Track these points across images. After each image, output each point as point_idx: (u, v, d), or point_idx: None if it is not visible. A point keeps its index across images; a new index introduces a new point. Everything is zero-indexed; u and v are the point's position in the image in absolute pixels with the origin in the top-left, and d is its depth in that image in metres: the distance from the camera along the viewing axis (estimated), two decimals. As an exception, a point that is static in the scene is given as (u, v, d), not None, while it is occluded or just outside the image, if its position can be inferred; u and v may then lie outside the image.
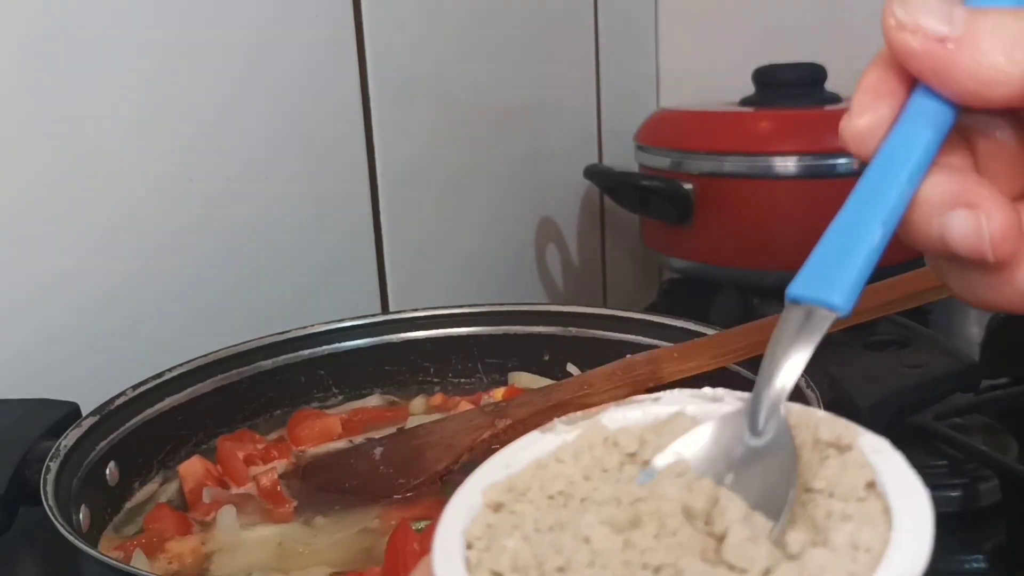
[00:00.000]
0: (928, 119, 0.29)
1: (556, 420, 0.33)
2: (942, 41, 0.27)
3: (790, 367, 0.29)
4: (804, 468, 0.28)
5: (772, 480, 0.28)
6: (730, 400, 0.31)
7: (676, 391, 0.33)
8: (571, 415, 0.33)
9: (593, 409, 0.33)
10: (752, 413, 0.29)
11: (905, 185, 0.29)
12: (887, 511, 0.26)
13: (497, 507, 0.31)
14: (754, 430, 0.29)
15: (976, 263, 0.29)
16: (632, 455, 0.31)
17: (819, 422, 0.29)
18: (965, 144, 0.30)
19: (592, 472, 0.31)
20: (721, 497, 0.28)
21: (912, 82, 0.29)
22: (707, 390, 0.32)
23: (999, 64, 0.27)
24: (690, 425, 0.31)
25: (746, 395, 0.30)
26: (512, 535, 0.29)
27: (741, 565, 0.25)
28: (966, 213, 0.28)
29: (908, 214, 0.29)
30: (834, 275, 0.29)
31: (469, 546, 0.29)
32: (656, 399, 0.33)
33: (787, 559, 0.25)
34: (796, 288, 0.30)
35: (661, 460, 0.30)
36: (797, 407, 0.30)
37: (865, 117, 0.30)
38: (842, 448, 0.28)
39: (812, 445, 0.29)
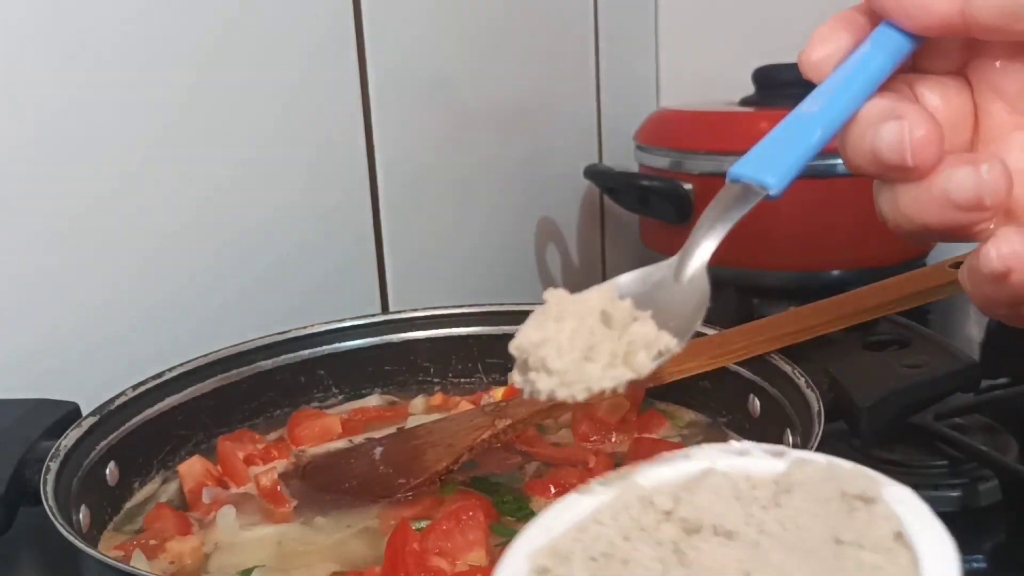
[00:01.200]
0: (882, 47, 0.34)
1: (592, 481, 0.33)
2: None
3: (718, 230, 0.34)
4: (833, 520, 0.30)
5: (688, 312, 0.34)
6: (758, 453, 0.33)
7: (705, 446, 0.34)
8: (606, 476, 0.34)
9: (625, 468, 0.33)
10: (680, 263, 0.34)
11: (851, 100, 0.33)
12: (915, 561, 0.28)
13: (543, 572, 0.32)
14: (679, 278, 0.34)
15: (900, 172, 0.32)
16: (668, 513, 0.32)
17: (845, 475, 0.32)
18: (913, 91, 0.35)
19: (631, 532, 0.32)
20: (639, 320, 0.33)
21: (867, 25, 0.34)
22: (734, 444, 0.34)
23: None
24: (722, 481, 0.32)
25: (773, 447, 0.33)
26: None
27: (640, 371, 0.32)
28: (894, 123, 0.32)
29: (848, 128, 0.33)
30: (772, 162, 0.33)
31: None
32: (686, 456, 0.34)
33: None
34: (737, 168, 0.34)
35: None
36: (823, 461, 0.32)
37: (826, 47, 0.34)
38: (868, 500, 0.30)
39: (840, 498, 0.31)
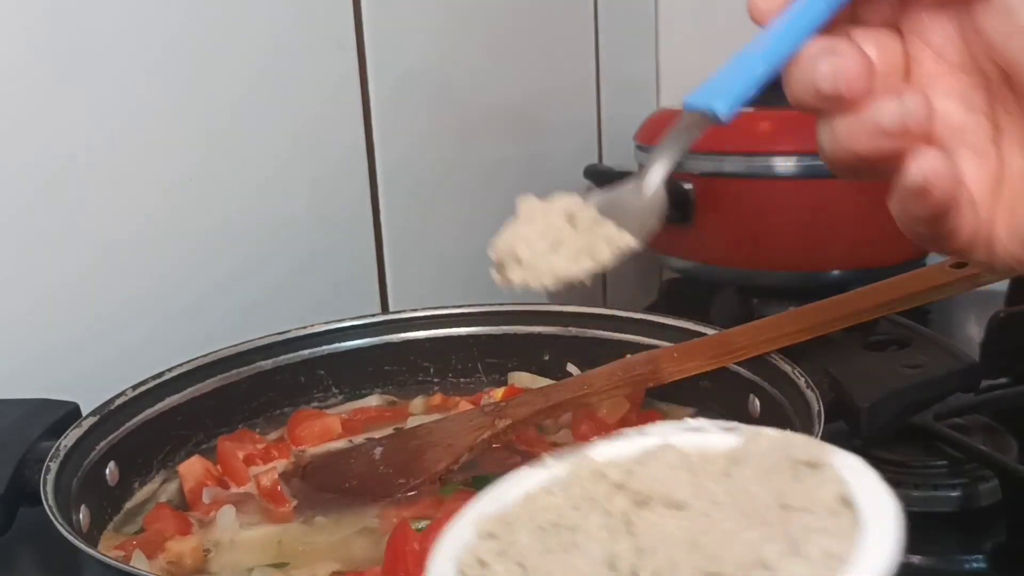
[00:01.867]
0: None
1: (545, 455, 0.34)
2: None
3: (675, 151, 0.39)
4: (781, 487, 0.31)
5: (647, 219, 0.39)
6: (712, 429, 0.35)
7: (660, 423, 0.36)
8: (560, 451, 0.35)
9: (581, 444, 0.34)
10: (642, 181, 0.39)
11: (792, 40, 0.37)
12: (858, 522, 0.29)
13: (489, 537, 0.32)
14: (641, 193, 0.39)
15: (836, 103, 0.36)
16: (620, 485, 0.33)
17: (796, 444, 0.33)
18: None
19: (581, 503, 0.33)
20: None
21: None
22: (690, 421, 0.36)
23: None
24: (675, 456, 0.34)
25: (727, 423, 0.36)
26: (503, 563, 0.30)
27: (602, 262, 0.37)
28: (830, 58, 0.36)
29: (792, 65, 0.37)
30: (721, 92, 0.37)
31: (462, 574, 0.30)
32: (642, 432, 0.35)
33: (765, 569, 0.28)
34: (692, 98, 0.38)
35: None
36: (774, 432, 0.34)
37: None
38: (815, 466, 0.32)
39: (789, 466, 0.32)
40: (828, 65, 0.36)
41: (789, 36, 0.37)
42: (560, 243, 0.38)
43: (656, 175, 0.40)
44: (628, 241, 0.38)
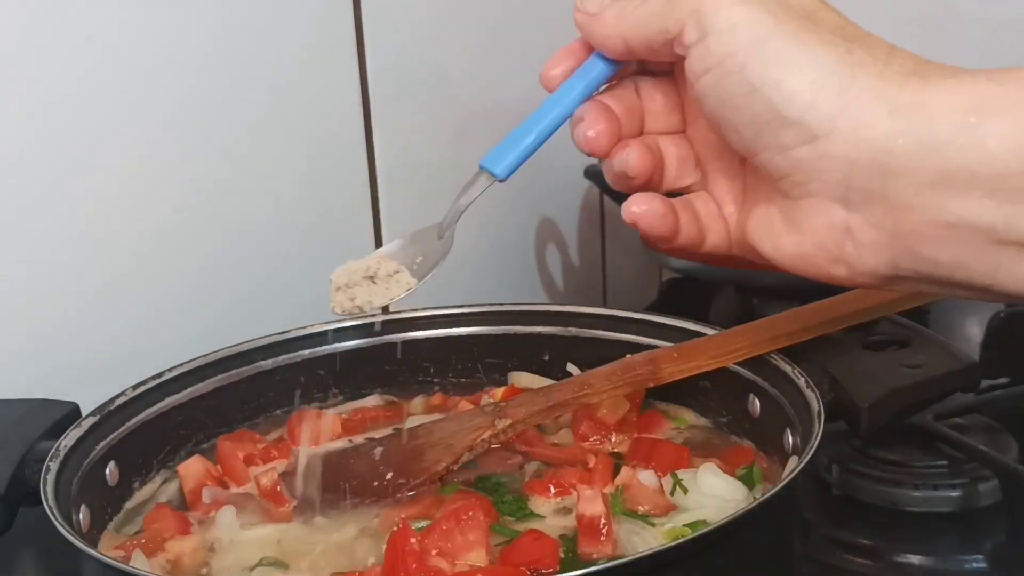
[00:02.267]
0: (588, 70, 0.47)
1: None
2: (591, 16, 0.46)
3: (464, 202, 0.49)
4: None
5: (433, 261, 0.52)
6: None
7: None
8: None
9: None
10: (441, 226, 0.51)
11: (562, 109, 0.47)
12: None
13: None
14: (439, 235, 0.51)
15: (591, 155, 0.47)
16: None
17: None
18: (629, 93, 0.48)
19: None
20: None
21: (584, 53, 0.47)
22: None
23: (609, 25, 0.45)
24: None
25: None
26: None
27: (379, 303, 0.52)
28: (578, 125, 0.46)
29: (571, 123, 0.47)
30: (502, 157, 0.48)
31: None
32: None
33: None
34: (484, 160, 0.48)
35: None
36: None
37: (557, 68, 0.48)
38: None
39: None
40: (577, 131, 0.46)
41: (559, 106, 0.47)
42: (360, 289, 0.53)
43: (449, 221, 0.51)
44: (409, 284, 0.52)
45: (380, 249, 0.53)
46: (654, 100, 0.48)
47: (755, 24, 0.40)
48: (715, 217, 0.48)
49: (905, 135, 0.38)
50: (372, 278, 0.52)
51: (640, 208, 0.46)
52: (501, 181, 0.48)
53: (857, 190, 0.39)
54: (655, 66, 0.47)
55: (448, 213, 0.51)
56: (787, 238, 0.43)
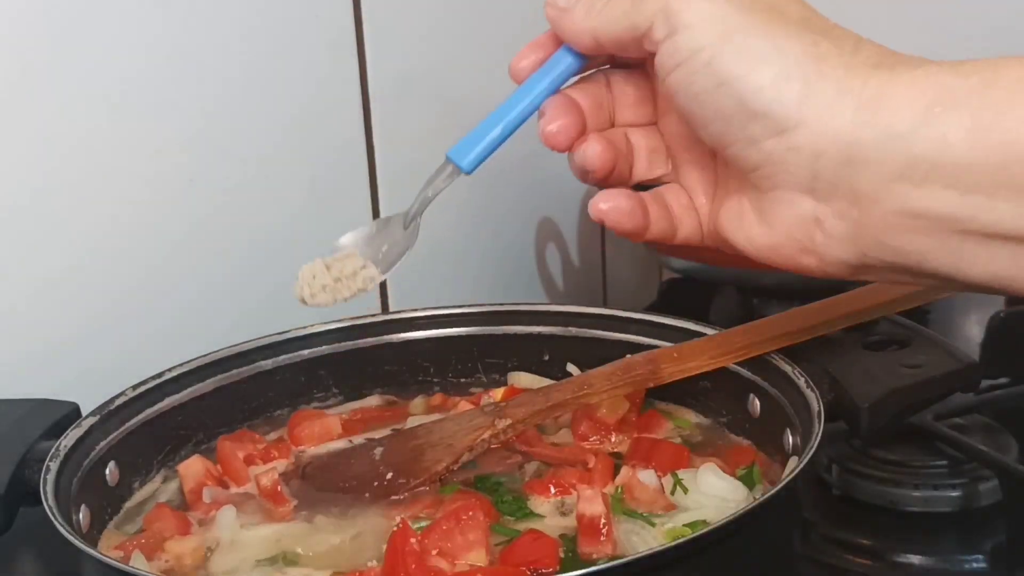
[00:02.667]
0: (556, 63, 0.47)
1: None
2: (561, 10, 0.46)
3: (430, 194, 0.50)
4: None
5: (398, 251, 0.52)
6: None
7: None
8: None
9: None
10: (407, 216, 0.51)
11: (528, 104, 0.47)
12: None
13: None
14: (405, 225, 0.52)
15: (554, 149, 0.47)
16: None
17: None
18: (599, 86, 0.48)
19: None
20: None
21: (553, 46, 0.48)
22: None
23: (578, 20, 0.45)
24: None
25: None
26: None
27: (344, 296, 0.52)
28: (543, 119, 0.47)
29: (538, 115, 0.47)
30: (468, 149, 0.48)
31: None
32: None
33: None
34: (451, 152, 0.48)
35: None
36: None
37: (525, 60, 0.48)
38: None
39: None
40: (541, 125, 0.47)
41: (526, 99, 0.47)
42: (324, 288, 0.52)
43: (415, 212, 0.51)
44: (373, 275, 0.52)
45: (345, 238, 0.53)
46: (625, 92, 0.48)
47: (721, 19, 0.40)
48: (687, 209, 0.48)
49: (870, 127, 0.38)
50: (337, 279, 0.52)
51: (607, 205, 0.47)
52: (467, 174, 0.48)
53: (824, 181, 0.40)
54: (626, 59, 0.48)
55: (414, 203, 0.51)
56: (758, 229, 0.44)
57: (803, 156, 0.40)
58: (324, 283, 0.52)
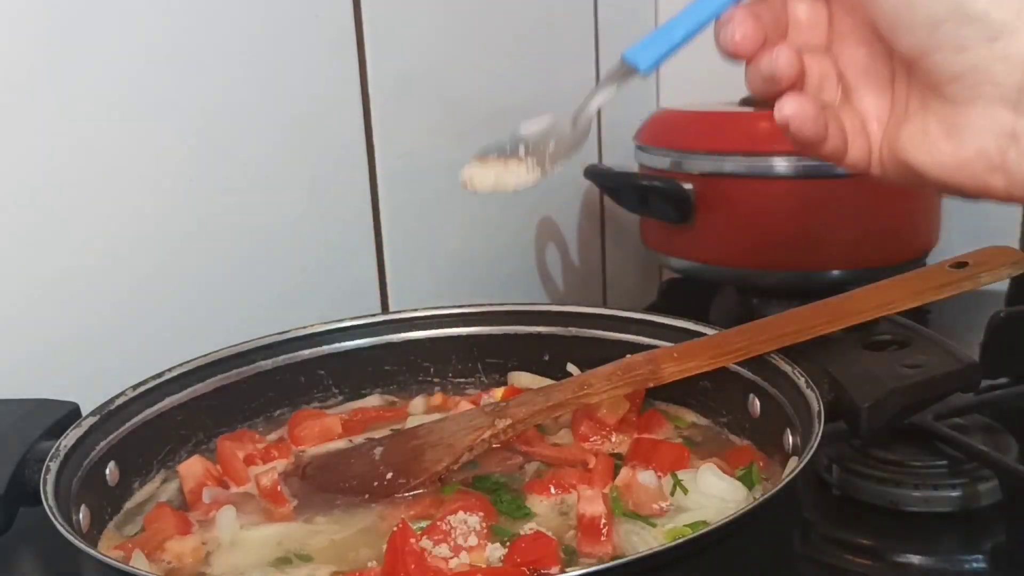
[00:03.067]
0: None
1: None
2: None
3: (605, 91, 0.49)
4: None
5: (565, 149, 0.50)
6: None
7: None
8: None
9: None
10: (576, 114, 0.50)
11: (711, 11, 0.47)
12: None
13: None
14: (576, 119, 0.50)
15: (736, 57, 0.47)
16: None
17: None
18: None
19: None
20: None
21: None
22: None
23: None
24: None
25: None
26: None
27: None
28: (725, 26, 0.46)
29: (716, 26, 0.47)
30: (647, 52, 0.47)
31: None
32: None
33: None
34: (628, 53, 0.48)
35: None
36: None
37: None
38: None
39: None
40: (723, 32, 0.47)
41: (707, 7, 0.47)
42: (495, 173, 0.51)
43: (590, 108, 0.50)
44: (534, 178, 0.51)
45: (533, 122, 0.52)
46: (799, 14, 0.48)
47: None
48: (858, 133, 0.47)
49: None
50: (517, 156, 0.51)
51: (792, 108, 0.46)
52: (644, 76, 0.47)
53: None
54: None
55: (584, 101, 0.49)
56: (945, 146, 0.42)
57: (1012, 66, 0.38)
58: (494, 163, 0.51)
